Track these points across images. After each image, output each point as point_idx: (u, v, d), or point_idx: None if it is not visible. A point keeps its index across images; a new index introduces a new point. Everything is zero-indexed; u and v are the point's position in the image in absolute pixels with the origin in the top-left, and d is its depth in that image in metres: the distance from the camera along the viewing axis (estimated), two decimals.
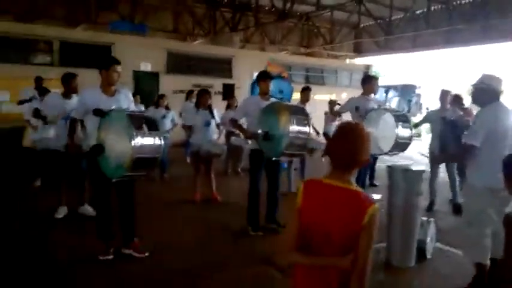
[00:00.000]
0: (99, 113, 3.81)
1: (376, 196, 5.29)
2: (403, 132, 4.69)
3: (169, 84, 13.79)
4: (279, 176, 5.26)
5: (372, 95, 5.51)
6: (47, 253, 4.17)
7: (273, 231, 5.02)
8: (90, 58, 12.57)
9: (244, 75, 15.12)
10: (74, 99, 5.09)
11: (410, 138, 4.85)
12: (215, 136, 6.51)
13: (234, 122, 5.20)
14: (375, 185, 7.71)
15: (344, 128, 1.80)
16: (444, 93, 6.50)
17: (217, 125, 6.52)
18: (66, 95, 5.29)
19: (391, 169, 4.04)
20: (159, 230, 4.94)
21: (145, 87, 13.01)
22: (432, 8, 15.54)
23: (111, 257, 4.02)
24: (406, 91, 20.23)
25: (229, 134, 8.24)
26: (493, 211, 3.36)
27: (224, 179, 7.64)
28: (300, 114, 4.57)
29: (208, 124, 6.24)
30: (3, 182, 6.19)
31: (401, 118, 4.73)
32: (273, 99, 5.07)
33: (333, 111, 7.44)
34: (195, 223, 5.37)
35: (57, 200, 5.40)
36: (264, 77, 5.10)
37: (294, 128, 4.34)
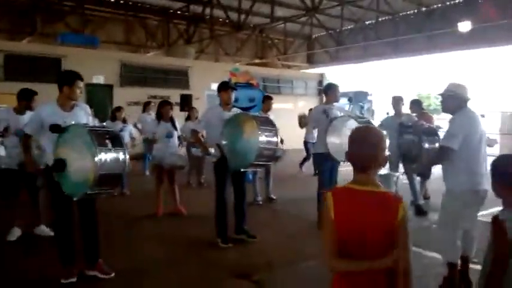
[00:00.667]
0: (57, 129, 3.61)
1: None
2: None
3: (123, 96, 13.45)
4: (245, 186, 5.21)
5: (335, 103, 5.60)
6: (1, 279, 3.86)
7: (242, 242, 4.96)
8: (38, 71, 12.05)
9: (201, 86, 15.03)
10: (27, 115, 4.81)
11: None
12: (177, 148, 6.37)
13: (196, 134, 5.11)
14: None
15: (359, 131, 1.88)
16: (397, 100, 6.69)
17: (179, 137, 6.39)
18: (20, 111, 4.98)
19: None
20: (123, 249, 4.71)
21: (99, 100, 12.60)
22: (380, 19, 16.21)
23: (74, 279, 3.76)
24: (358, 98, 20.88)
25: (189, 145, 8.10)
26: (469, 212, 3.49)
27: (187, 191, 7.47)
28: (267, 125, 4.56)
29: (170, 136, 6.10)
30: None
31: (368, 124, 4.82)
32: (235, 110, 5.03)
33: (302, 124, 7.59)
34: (160, 239, 5.17)
35: (8, 222, 5.03)
36: (225, 87, 5.06)
37: (263, 139, 4.35)
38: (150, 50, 18.69)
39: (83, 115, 3.99)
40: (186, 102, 10.81)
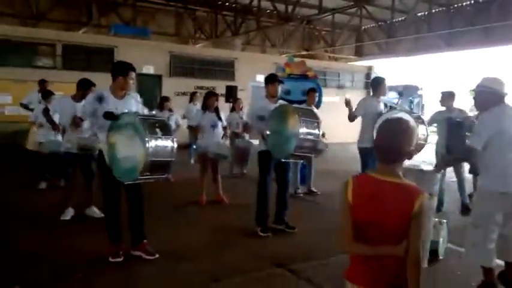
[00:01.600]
0: (110, 116, 3.81)
1: None
2: (420, 133, 4.68)
3: (172, 86, 13.83)
4: (288, 178, 5.26)
5: (382, 97, 5.52)
6: (54, 255, 4.14)
7: (281, 232, 5.03)
8: (93, 61, 12.65)
9: (246, 78, 15.15)
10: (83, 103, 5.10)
11: (425, 140, 4.83)
12: (221, 138, 6.50)
13: (249, 127, 5.21)
14: None
15: (388, 123, 1.86)
16: (445, 95, 6.44)
17: (224, 128, 6.52)
18: (77, 99, 5.29)
19: (404, 170, 4.00)
20: (166, 233, 4.89)
21: (148, 90, 13.01)
22: (433, 11, 15.57)
23: (121, 259, 4.00)
24: (408, 92, 20.27)
25: (233, 136, 8.23)
26: (501, 215, 3.30)
27: (229, 181, 7.61)
28: (310, 116, 4.58)
29: (215, 126, 6.24)
30: None
31: (418, 119, 4.72)
32: (280, 102, 5.07)
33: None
34: (202, 225, 5.34)
35: (63, 202, 5.38)
36: (272, 80, 5.11)
37: (304, 130, 4.37)
38: (198, 41, 19.02)
39: (134, 103, 4.20)
40: (231, 94, 10.96)
